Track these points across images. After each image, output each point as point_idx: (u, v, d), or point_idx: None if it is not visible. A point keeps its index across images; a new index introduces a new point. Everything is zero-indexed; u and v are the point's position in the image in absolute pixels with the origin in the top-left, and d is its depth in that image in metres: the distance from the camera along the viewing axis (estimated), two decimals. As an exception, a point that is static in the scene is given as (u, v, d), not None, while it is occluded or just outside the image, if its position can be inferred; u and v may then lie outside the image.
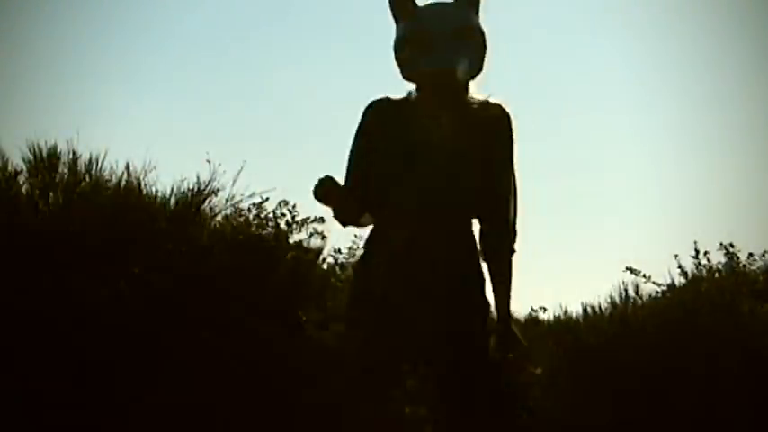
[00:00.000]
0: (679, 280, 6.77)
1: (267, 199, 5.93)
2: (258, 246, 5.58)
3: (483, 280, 2.63)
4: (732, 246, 6.93)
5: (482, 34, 2.61)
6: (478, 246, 2.69)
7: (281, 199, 6.01)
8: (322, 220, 6.04)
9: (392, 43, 2.68)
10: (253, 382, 5.05)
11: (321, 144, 14.66)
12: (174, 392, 4.80)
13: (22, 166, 5.43)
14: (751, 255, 6.92)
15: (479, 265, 2.65)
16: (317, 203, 2.59)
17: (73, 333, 4.74)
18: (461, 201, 2.62)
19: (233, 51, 14.44)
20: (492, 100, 2.65)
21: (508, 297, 2.64)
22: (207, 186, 5.63)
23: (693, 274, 6.81)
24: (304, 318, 5.28)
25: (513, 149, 2.66)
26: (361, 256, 2.73)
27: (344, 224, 2.73)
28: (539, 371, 6.80)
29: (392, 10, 2.66)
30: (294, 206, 6.03)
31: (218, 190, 5.69)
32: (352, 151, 2.66)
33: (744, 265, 6.86)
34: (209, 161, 5.61)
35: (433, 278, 2.55)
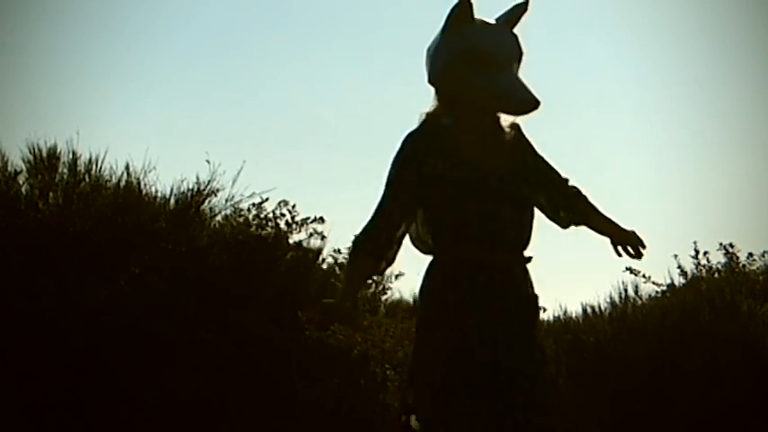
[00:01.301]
0: (679, 280, 6.78)
1: (267, 199, 5.94)
2: (258, 246, 5.58)
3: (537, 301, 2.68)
4: (732, 246, 6.95)
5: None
6: (564, 217, 2.80)
7: (281, 199, 6.02)
8: (322, 220, 6.06)
9: (438, 49, 2.57)
10: (253, 382, 5.06)
11: (321, 144, 14.66)
12: (174, 392, 4.81)
13: (21, 166, 5.44)
14: (750, 255, 6.93)
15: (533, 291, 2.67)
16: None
17: (73, 332, 4.74)
18: (523, 223, 2.60)
19: (233, 51, 14.44)
20: (505, 118, 2.66)
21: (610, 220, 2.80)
22: (206, 186, 5.63)
23: (693, 274, 6.82)
24: (304, 318, 5.28)
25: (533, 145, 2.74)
26: (431, 297, 2.65)
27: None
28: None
29: (452, 18, 2.56)
30: (294, 206, 6.04)
31: (217, 190, 5.69)
32: (392, 179, 2.61)
33: (743, 266, 6.87)
34: (208, 161, 5.62)
35: (515, 312, 2.52)
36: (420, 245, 2.67)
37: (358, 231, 2.62)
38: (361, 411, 5.26)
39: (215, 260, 5.36)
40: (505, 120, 2.67)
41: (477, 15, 2.59)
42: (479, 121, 2.60)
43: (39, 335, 4.66)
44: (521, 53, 2.60)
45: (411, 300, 9.08)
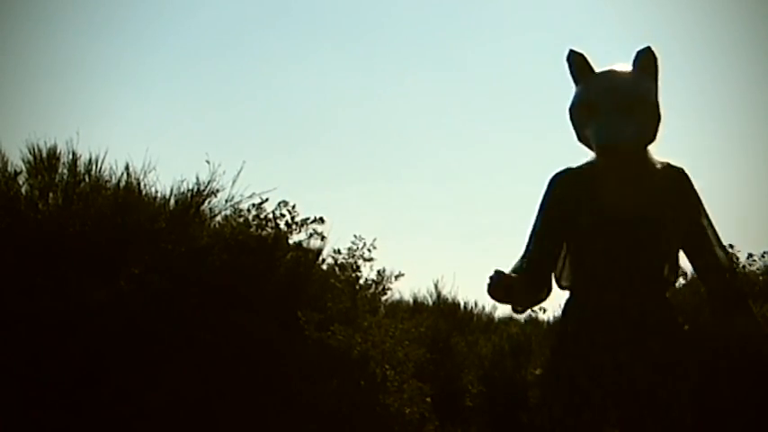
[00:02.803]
0: (679, 281, 6.77)
1: (267, 199, 5.93)
2: (258, 246, 5.58)
3: (679, 330, 2.71)
4: (731, 246, 6.93)
5: (652, 105, 2.62)
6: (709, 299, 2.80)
7: (281, 199, 6.01)
8: (322, 220, 6.05)
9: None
10: (253, 382, 5.06)
11: (321, 144, 14.67)
12: (173, 392, 4.81)
13: (21, 166, 5.44)
14: (751, 255, 6.92)
15: (675, 321, 2.71)
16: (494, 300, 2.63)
17: (73, 332, 4.74)
18: (654, 265, 2.63)
19: (233, 52, 14.46)
20: (671, 162, 2.69)
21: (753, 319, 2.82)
22: (206, 187, 5.63)
23: (693, 275, 6.81)
24: (303, 318, 5.28)
25: (701, 203, 2.73)
26: (562, 323, 2.72)
27: (520, 310, 2.74)
28: (539, 371, 6.80)
29: (571, 72, 2.67)
30: (294, 206, 6.03)
31: (217, 190, 5.69)
32: (537, 224, 2.67)
33: (743, 266, 6.86)
34: (208, 161, 5.61)
35: (634, 339, 2.55)
36: (561, 282, 2.74)
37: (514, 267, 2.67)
38: (362, 411, 5.26)
39: (215, 260, 5.36)
40: (666, 172, 2.69)
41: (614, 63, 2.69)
42: (621, 165, 2.63)
43: (39, 335, 4.66)
44: (629, 99, 2.61)
45: (411, 300, 9.11)
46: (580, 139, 2.68)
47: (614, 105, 2.59)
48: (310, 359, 5.28)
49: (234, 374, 5.00)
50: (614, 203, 2.63)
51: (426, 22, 15.17)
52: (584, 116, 2.64)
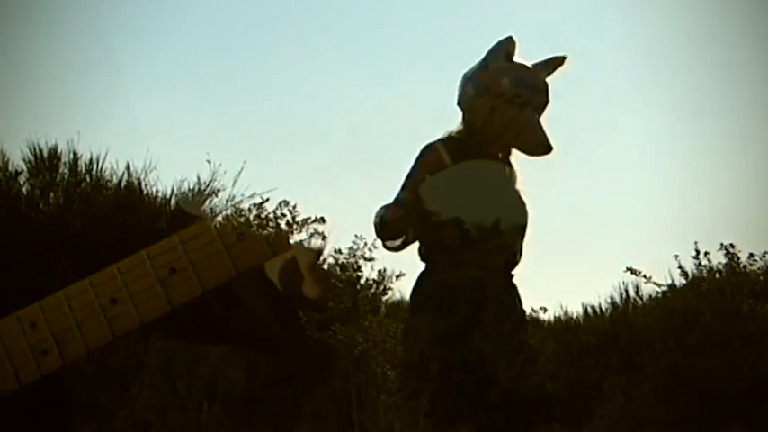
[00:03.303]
0: (679, 280, 6.77)
1: (268, 199, 5.94)
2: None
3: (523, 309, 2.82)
4: (732, 246, 6.93)
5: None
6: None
7: (282, 199, 6.02)
8: (323, 220, 6.05)
9: (472, 78, 2.71)
10: (252, 382, 5.06)
11: (322, 144, 14.66)
12: (173, 392, 4.81)
13: (22, 166, 5.45)
14: (751, 255, 6.91)
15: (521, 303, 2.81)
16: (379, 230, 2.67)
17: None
18: (518, 247, 2.70)
19: (234, 51, 14.45)
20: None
21: None
22: (207, 187, 5.64)
23: (694, 275, 6.80)
24: (304, 318, 5.28)
25: None
26: (419, 294, 2.73)
27: (389, 239, 2.76)
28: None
29: (493, 53, 2.70)
30: (295, 206, 6.03)
31: (218, 190, 5.70)
32: (409, 176, 2.72)
33: (744, 266, 6.85)
34: (209, 161, 5.63)
35: (493, 308, 2.60)
36: (420, 249, 2.77)
37: (376, 216, 2.74)
38: (362, 412, 5.26)
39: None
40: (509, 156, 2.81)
41: (516, 56, 2.74)
42: (491, 150, 2.74)
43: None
44: (547, 101, 2.73)
45: (412, 300, 9.11)
46: (482, 121, 2.71)
47: (540, 107, 2.71)
48: (310, 359, 5.27)
49: (234, 374, 5.00)
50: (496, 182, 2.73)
51: (426, 22, 15.16)
52: (504, 102, 2.69)
